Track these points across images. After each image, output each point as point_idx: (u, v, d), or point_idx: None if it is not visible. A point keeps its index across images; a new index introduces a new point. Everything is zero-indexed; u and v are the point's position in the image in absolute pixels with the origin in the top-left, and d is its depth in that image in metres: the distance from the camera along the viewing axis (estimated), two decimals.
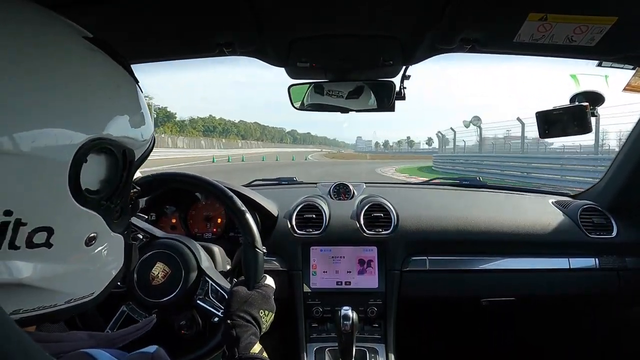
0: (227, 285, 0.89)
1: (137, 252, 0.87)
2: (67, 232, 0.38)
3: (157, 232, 0.95)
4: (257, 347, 0.72)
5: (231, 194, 0.92)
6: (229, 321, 0.73)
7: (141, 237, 0.92)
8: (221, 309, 0.86)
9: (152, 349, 0.42)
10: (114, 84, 0.44)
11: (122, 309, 0.89)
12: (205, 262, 0.92)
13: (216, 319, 0.87)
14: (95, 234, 0.41)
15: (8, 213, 0.33)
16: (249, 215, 0.90)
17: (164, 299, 0.86)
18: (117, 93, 0.44)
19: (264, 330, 0.77)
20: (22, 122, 0.33)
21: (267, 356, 0.73)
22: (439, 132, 24.99)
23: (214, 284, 0.88)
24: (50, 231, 0.36)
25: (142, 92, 0.48)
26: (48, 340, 0.40)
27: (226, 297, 0.84)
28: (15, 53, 0.34)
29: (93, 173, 0.40)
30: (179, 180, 0.97)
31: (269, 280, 0.86)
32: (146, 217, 0.98)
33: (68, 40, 0.41)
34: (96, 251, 0.43)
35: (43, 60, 0.36)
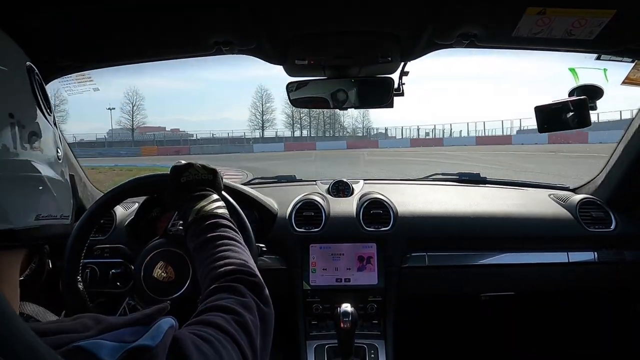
0: None
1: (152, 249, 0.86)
2: (47, 139, 0.45)
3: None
4: None
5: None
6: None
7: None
8: None
9: (153, 342, 0.37)
10: None
11: (126, 300, 0.91)
12: None
13: None
14: (59, 149, 0.48)
15: (12, 116, 0.40)
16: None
17: (164, 298, 0.86)
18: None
19: None
20: None
21: None
22: None
23: None
24: (38, 136, 0.43)
25: None
26: (46, 333, 0.37)
27: None
28: None
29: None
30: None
31: None
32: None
33: None
34: (63, 167, 0.49)
35: None
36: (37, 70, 0.47)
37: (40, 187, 0.43)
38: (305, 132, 47.30)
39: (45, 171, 0.44)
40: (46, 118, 0.46)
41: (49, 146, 0.45)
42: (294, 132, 46.68)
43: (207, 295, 0.54)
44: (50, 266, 0.89)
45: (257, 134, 43.66)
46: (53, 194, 0.45)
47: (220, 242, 0.65)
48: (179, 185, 0.77)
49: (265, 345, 0.51)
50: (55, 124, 0.50)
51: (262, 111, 44.37)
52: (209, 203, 0.73)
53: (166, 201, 0.84)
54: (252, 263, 0.63)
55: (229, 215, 0.73)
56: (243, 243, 0.68)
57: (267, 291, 0.58)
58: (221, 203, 0.75)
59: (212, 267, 0.60)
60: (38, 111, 0.45)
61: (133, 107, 39.85)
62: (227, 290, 0.54)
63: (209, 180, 0.78)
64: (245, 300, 0.52)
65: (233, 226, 0.71)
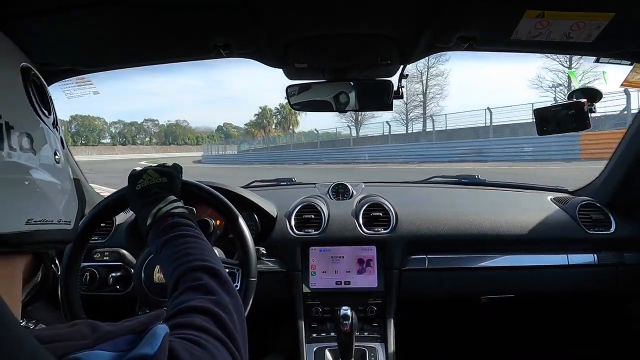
0: None
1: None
2: (41, 141, 0.44)
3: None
4: None
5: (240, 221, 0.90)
6: None
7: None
8: None
9: (152, 349, 0.37)
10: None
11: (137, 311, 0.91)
12: None
13: None
14: (58, 152, 0.47)
15: None
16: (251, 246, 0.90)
17: (165, 300, 0.86)
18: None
19: None
20: None
21: None
22: None
23: None
24: (30, 138, 0.42)
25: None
26: (41, 341, 0.35)
27: None
28: None
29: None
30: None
31: None
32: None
33: None
34: (63, 171, 0.48)
35: None
36: (34, 72, 0.46)
37: (29, 190, 0.41)
38: None
39: (37, 174, 0.42)
40: (42, 120, 0.45)
41: (43, 149, 0.44)
42: None
43: (176, 296, 0.54)
44: (58, 273, 0.86)
45: None
46: (47, 197, 0.43)
47: (181, 240, 0.66)
48: (135, 192, 0.77)
49: (244, 337, 0.51)
50: (55, 127, 0.48)
51: None
52: (166, 205, 0.73)
53: (131, 210, 0.84)
54: (215, 258, 0.63)
55: (187, 214, 0.74)
56: (204, 239, 0.68)
57: (232, 284, 0.58)
58: (179, 203, 0.76)
59: (175, 265, 0.60)
60: (32, 112, 0.44)
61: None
62: (197, 290, 0.54)
63: (164, 182, 0.79)
64: (216, 298, 0.52)
65: (192, 224, 0.71)
